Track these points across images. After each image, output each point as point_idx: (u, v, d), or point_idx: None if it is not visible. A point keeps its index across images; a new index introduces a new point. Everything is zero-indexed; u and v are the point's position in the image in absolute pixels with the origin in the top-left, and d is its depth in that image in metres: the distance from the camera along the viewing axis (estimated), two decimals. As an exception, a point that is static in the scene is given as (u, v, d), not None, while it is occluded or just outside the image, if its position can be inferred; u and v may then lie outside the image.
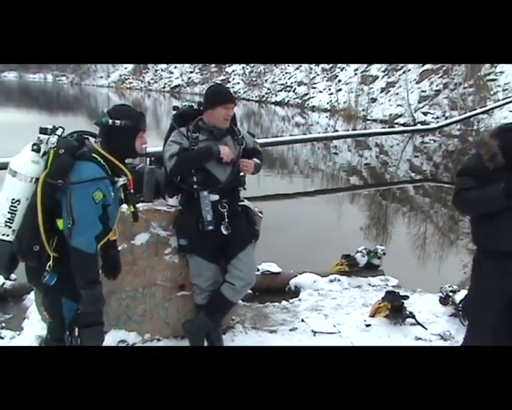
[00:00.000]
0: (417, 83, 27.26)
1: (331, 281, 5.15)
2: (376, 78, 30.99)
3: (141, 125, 2.48)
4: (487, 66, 23.79)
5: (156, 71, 53.55)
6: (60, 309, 2.41)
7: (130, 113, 2.48)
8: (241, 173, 3.30)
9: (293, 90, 37.64)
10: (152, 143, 3.31)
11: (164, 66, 51.71)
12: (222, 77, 45.16)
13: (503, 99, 20.43)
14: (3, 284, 4.40)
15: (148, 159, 2.98)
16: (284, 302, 4.64)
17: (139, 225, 3.16)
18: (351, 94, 30.54)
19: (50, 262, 2.30)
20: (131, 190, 2.51)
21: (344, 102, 30.77)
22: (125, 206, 2.67)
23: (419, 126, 22.09)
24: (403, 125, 23.80)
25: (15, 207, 2.25)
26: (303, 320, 4.10)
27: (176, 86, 50.39)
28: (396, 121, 25.25)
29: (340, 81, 33.75)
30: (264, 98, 39.84)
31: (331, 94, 33.14)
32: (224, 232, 3.16)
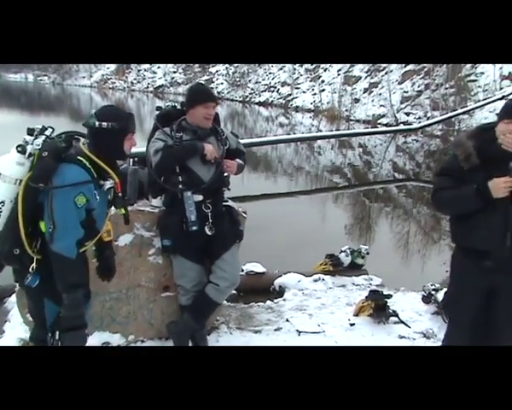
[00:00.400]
0: (399, 83, 27.50)
1: (315, 281, 5.17)
2: (359, 78, 31.18)
3: (129, 127, 2.43)
4: (468, 67, 24.12)
5: (139, 71, 53.18)
6: (42, 311, 2.39)
7: (117, 114, 2.43)
8: (225, 174, 3.30)
9: (277, 91, 37.70)
10: (135, 143, 3.29)
11: (147, 66, 51.36)
12: (205, 77, 45.01)
13: (484, 100, 20.71)
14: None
15: (131, 159, 2.96)
16: (269, 302, 4.65)
17: (122, 225, 3.13)
18: (334, 94, 30.68)
19: (33, 264, 2.28)
20: (119, 194, 2.47)
21: (327, 103, 30.91)
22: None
23: (401, 127, 22.26)
24: (385, 125, 23.98)
25: (0, 208, 2.22)
26: (288, 320, 4.11)
27: (159, 86, 50.13)
28: (379, 121, 25.44)
29: (323, 82, 33.89)
30: (248, 99, 39.83)
31: (314, 94, 33.27)
32: (208, 233, 3.15)
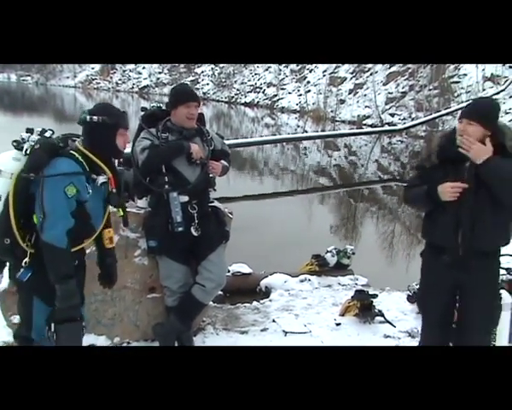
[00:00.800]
0: (384, 85, 27.72)
1: (301, 281, 5.19)
2: (344, 79, 31.35)
3: (121, 122, 2.47)
4: (451, 68, 24.40)
5: (124, 71, 52.87)
6: (30, 308, 2.38)
7: (109, 110, 2.49)
8: (210, 175, 3.29)
9: (263, 92, 37.74)
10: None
11: (132, 66, 51.10)
12: (191, 78, 44.89)
13: (466, 101, 20.92)
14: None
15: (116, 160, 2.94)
16: (255, 303, 4.65)
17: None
18: (319, 95, 30.82)
19: (26, 258, 2.29)
20: (113, 190, 2.48)
21: (313, 104, 31.02)
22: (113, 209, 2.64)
23: (386, 127, 22.42)
24: (370, 126, 24.15)
25: None
26: (274, 321, 4.11)
27: (144, 87, 49.84)
28: (364, 122, 25.60)
29: (308, 83, 34.01)
30: (234, 99, 39.81)
31: (300, 95, 33.37)
32: (194, 234, 3.15)
